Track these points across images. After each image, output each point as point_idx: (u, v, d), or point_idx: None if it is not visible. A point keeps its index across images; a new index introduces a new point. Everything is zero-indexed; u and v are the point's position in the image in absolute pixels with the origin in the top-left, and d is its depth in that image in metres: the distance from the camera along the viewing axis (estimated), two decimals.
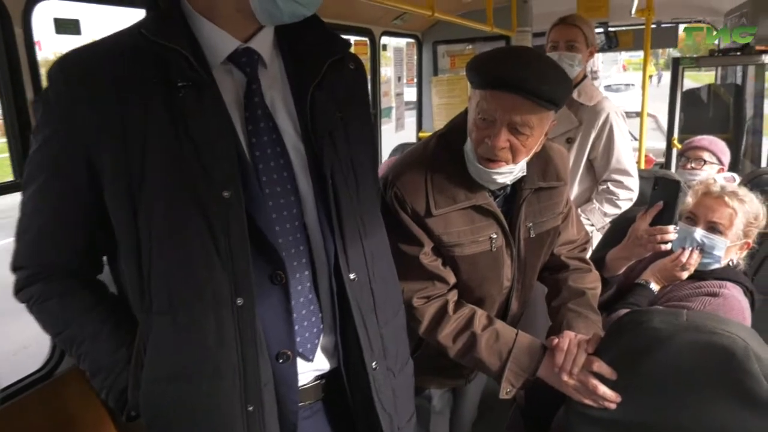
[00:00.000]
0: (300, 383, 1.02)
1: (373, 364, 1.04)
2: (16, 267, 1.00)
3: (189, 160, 0.88)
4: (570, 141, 2.39)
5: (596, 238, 2.40)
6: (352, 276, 1.01)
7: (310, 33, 1.03)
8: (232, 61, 0.95)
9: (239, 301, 0.91)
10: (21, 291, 1.01)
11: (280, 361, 0.97)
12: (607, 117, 2.38)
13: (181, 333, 0.92)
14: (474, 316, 1.39)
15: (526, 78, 1.19)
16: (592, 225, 2.44)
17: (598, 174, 2.47)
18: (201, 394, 0.93)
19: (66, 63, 0.90)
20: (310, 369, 1.04)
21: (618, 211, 2.43)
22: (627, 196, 2.43)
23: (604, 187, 2.45)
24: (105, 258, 1.04)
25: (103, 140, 0.88)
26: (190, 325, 0.91)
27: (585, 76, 2.44)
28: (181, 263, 0.90)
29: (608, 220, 2.44)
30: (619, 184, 2.43)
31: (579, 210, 2.45)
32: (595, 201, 2.47)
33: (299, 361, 1.01)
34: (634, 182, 2.44)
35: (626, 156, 2.43)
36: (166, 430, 0.98)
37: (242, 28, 0.95)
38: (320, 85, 0.99)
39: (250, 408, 0.94)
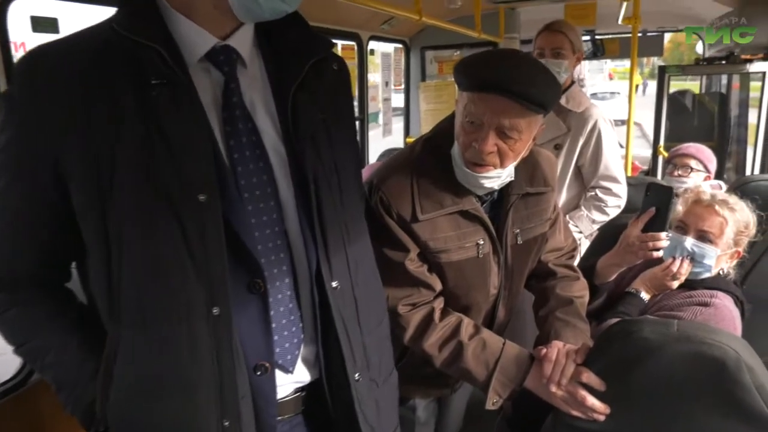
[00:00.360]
0: (279, 396, 0.98)
1: (356, 375, 1.01)
2: None
3: (162, 161, 0.84)
4: (558, 147, 2.37)
5: (584, 245, 2.39)
6: (334, 284, 0.97)
7: (292, 32, 0.99)
8: (210, 59, 0.91)
9: (215, 311, 0.86)
10: None
11: (258, 373, 0.93)
12: (596, 123, 2.36)
13: (153, 344, 0.87)
14: (461, 324, 1.36)
15: (515, 80, 1.16)
16: (581, 232, 2.42)
17: (586, 181, 2.46)
18: (174, 409, 0.88)
19: (32, 58, 0.85)
20: (290, 381, 1.00)
21: (606, 218, 2.41)
22: (615, 203, 2.42)
23: (592, 194, 2.44)
24: (74, 264, 0.99)
25: (70, 139, 0.83)
26: (163, 336, 0.87)
27: (573, 83, 2.43)
28: (152, 270, 0.85)
29: (596, 227, 2.42)
30: (608, 191, 2.42)
31: (567, 217, 2.43)
32: (583, 208, 2.45)
33: (278, 373, 0.96)
34: (622, 189, 2.43)
35: (614, 163, 2.42)
36: None
37: (220, 25, 0.91)
38: (302, 86, 0.95)
39: (226, 423, 0.89)
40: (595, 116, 2.37)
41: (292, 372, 0.98)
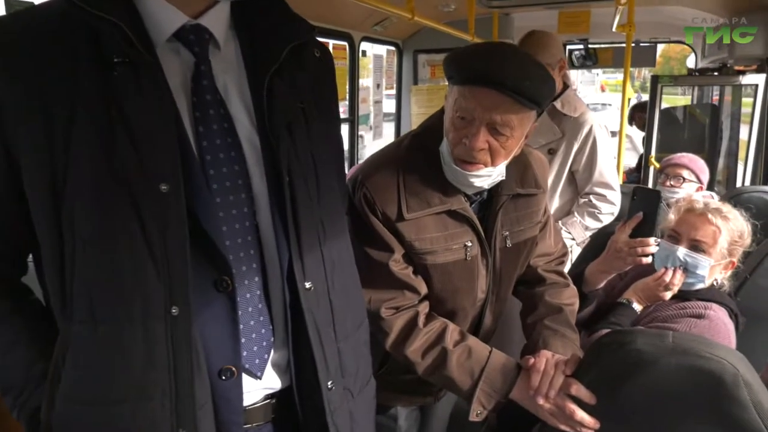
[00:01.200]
0: (247, 403, 0.91)
1: (329, 383, 0.94)
2: None
3: (121, 147, 0.77)
4: (552, 152, 2.34)
5: (576, 253, 2.35)
6: (307, 285, 0.90)
7: (271, 14, 0.92)
8: (180, 39, 0.84)
9: (174, 311, 0.79)
10: None
11: (223, 378, 0.86)
12: (591, 129, 2.34)
13: (104, 345, 0.80)
14: (446, 330, 1.30)
15: (508, 73, 1.11)
16: (573, 239, 2.38)
17: (580, 187, 2.42)
18: (124, 418, 0.81)
19: None
20: (259, 387, 0.93)
21: (599, 225, 2.38)
22: (609, 210, 2.39)
23: (586, 200, 2.40)
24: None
25: (23, 121, 0.76)
26: (115, 336, 0.79)
27: (567, 86, 2.39)
28: (107, 265, 0.78)
29: (589, 234, 2.39)
30: (602, 198, 2.38)
31: (560, 223, 2.40)
32: (576, 214, 2.41)
33: (246, 379, 0.89)
34: (616, 196, 2.40)
35: (609, 169, 2.39)
36: None
37: (192, 3, 0.85)
38: (279, 72, 0.89)
39: None
40: (591, 121, 2.35)
41: (260, 378, 0.91)
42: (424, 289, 1.33)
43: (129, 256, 0.78)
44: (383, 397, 1.17)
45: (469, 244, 1.31)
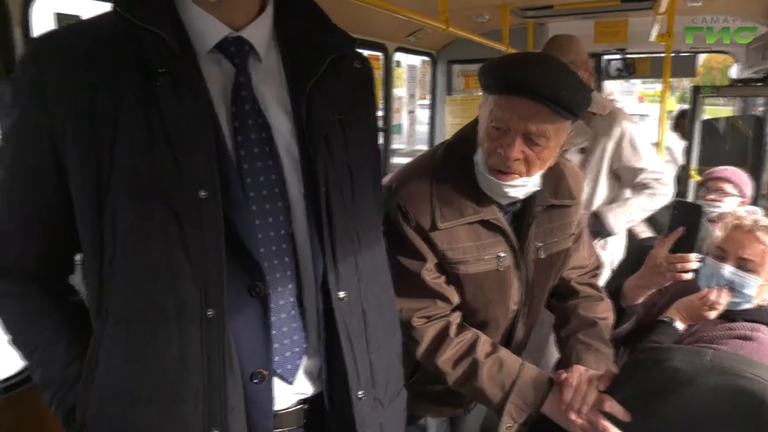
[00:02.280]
0: (279, 407, 0.92)
1: (359, 393, 0.94)
2: None
3: (162, 154, 0.79)
4: (584, 151, 2.37)
5: (617, 257, 2.33)
6: (341, 294, 0.91)
7: (311, 25, 0.95)
8: (221, 50, 0.87)
9: (209, 313, 0.81)
10: None
11: (255, 381, 0.87)
12: (624, 127, 2.38)
13: (138, 346, 0.82)
14: (477, 341, 1.29)
15: (545, 83, 1.11)
16: (632, 220, 2.42)
17: (627, 181, 2.46)
18: (156, 418, 0.83)
19: (38, 43, 0.83)
20: (291, 392, 0.94)
21: (656, 207, 2.40)
22: (665, 192, 2.41)
23: (641, 183, 2.43)
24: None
25: (72, 127, 0.80)
26: (149, 337, 0.82)
27: (592, 90, 2.40)
28: (144, 266, 0.81)
29: (646, 215, 2.43)
30: (657, 181, 2.41)
31: (615, 205, 2.44)
32: (632, 196, 2.45)
33: (277, 383, 0.90)
34: (668, 177, 2.43)
35: (652, 157, 2.43)
36: None
37: (234, 16, 0.87)
38: (319, 83, 0.91)
39: None
40: (621, 118, 2.39)
41: (292, 383, 0.93)
42: (456, 299, 1.32)
43: (166, 259, 0.80)
44: (413, 407, 1.17)
45: (502, 254, 1.30)
